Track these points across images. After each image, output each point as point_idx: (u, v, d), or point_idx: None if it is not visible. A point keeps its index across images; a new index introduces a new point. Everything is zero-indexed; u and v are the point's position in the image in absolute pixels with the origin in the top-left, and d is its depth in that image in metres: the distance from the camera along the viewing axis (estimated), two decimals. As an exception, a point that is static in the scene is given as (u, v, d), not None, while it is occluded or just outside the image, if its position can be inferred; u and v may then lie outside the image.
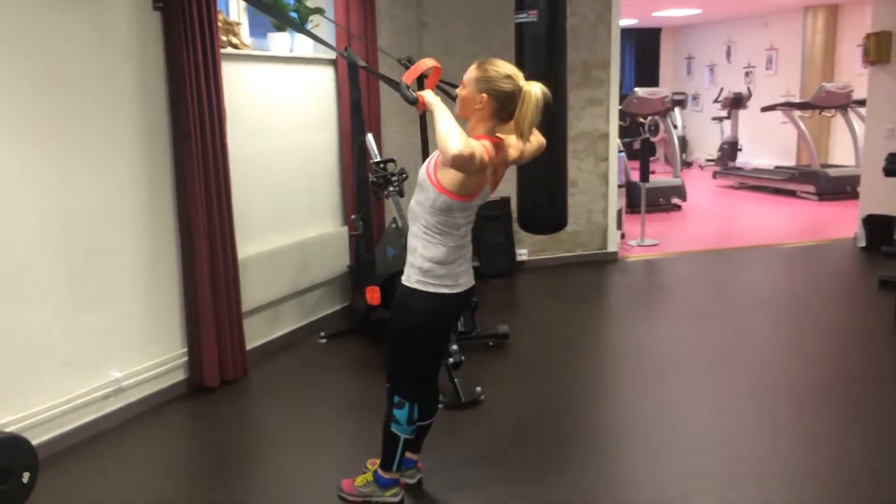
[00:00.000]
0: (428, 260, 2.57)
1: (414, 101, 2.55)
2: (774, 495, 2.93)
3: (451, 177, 2.45)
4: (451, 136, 2.32)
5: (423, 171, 2.57)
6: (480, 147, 2.39)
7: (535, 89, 2.44)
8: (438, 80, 2.75)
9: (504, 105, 2.47)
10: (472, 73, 2.51)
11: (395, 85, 2.69)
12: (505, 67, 2.49)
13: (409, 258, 2.63)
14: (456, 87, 2.86)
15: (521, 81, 2.48)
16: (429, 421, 2.92)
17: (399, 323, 2.69)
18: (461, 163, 2.33)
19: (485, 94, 2.46)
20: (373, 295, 4.50)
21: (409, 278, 2.62)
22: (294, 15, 4.72)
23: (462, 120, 2.52)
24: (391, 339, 2.74)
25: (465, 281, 2.67)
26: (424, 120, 4.11)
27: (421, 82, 2.84)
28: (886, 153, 6.23)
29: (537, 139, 2.76)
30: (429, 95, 2.54)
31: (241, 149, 4.23)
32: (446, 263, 2.58)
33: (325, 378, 4.28)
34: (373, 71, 3.15)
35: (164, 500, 3.03)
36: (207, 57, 3.80)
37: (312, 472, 3.20)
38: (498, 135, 2.56)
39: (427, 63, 2.62)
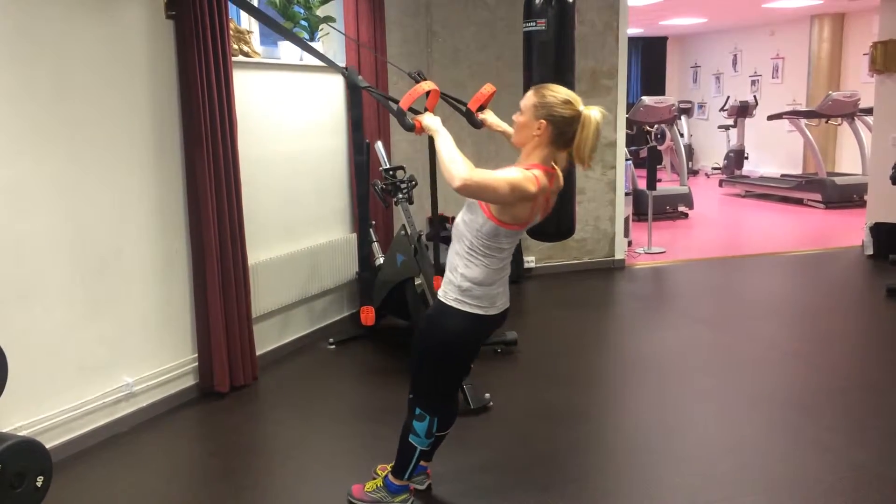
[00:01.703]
0: (468, 280, 2.53)
1: (410, 128, 2.56)
2: (782, 502, 2.94)
3: (504, 208, 2.42)
4: (455, 164, 2.31)
5: None
6: (522, 176, 2.36)
7: (595, 114, 2.40)
8: (438, 99, 2.73)
9: (562, 131, 2.42)
10: (529, 99, 2.47)
11: (392, 110, 2.71)
12: (563, 93, 2.44)
13: (449, 275, 2.59)
14: (462, 102, 2.90)
15: (581, 106, 2.43)
16: (445, 432, 2.93)
17: (430, 337, 2.67)
18: (470, 192, 2.32)
19: (543, 121, 2.42)
20: (367, 315, 4.53)
21: (447, 295, 2.59)
22: (305, 24, 4.76)
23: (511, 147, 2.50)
24: (419, 352, 2.72)
25: (502, 303, 2.64)
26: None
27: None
28: (893, 161, 6.23)
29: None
30: (428, 120, 2.53)
31: (252, 155, 4.26)
32: (485, 285, 2.55)
33: (333, 384, 4.30)
34: (373, 91, 3.15)
35: (175, 504, 3.05)
36: (219, 65, 3.83)
37: (322, 478, 3.22)
38: (552, 164, 2.51)
39: (424, 87, 2.60)
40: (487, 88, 2.85)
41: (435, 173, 3.76)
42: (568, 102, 2.43)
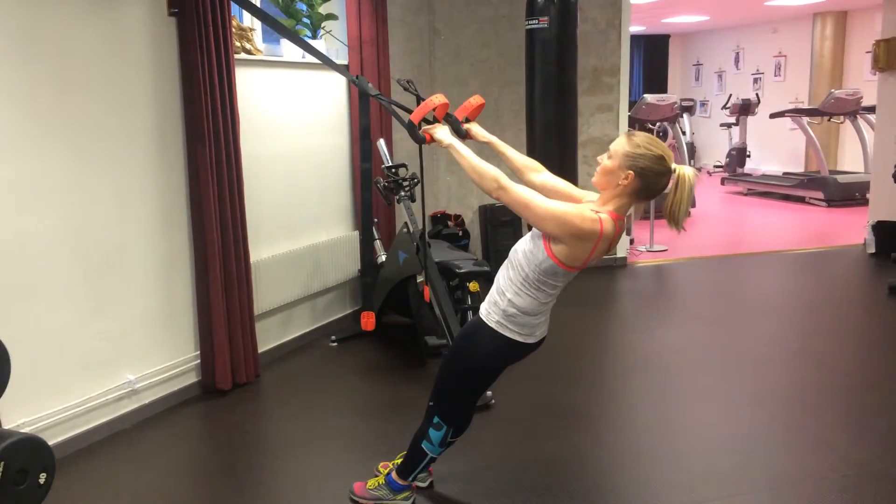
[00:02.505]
0: (514, 307, 2.49)
1: (422, 141, 2.58)
2: (785, 501, 2.94)
3: (563, 248, 2.36)
4: (484, 178, 2.36)
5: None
6: (579, 214, 2.31)
7: (689, 172, 2.31)
8: (446, 112, 2.74)
9: (649, 187, 2.34)
10: (622, 145, 2.35)
11: (403, 122, 2.72)
12: (657, 148, 2.32)
13: (496, 297, 2.54)
14: (448, 115, 2.85)
15: (673, 164, 2.33)
16: (455, 439, 2.91)
17: (463, 351, 2.65)
18: (505, 201, 2.34)
19: (631, 172, 2.31)
20: (367, 321, 4.53)
21: (490, 316, 2.54)
22: (307, 21, 4.76)
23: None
24: (448, 362, 2.71)
25: (541, 332, 2.61)
26: (421, 159, 4.14)
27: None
28: (896, 160, 6.24)
29: None
30: (440, 133, 2.53)
31: (255, 153, 4.26)
32: (531, 314, 2.51)
33: (336, 381, 4.30)
34: (382, 100, 3.14)
35: (176, 501, 3.05)
36: (221, 62, 3.84)
37: (324, 475, 3.22)
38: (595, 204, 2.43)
39: (435, 101, 2.59)
40: (476, 99, 2.79)
41: (423, 173, 3.76)
42: (661, 159, 2.31)
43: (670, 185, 2.35)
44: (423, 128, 2.61)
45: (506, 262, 2.57)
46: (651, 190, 2.36)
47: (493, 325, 2.53)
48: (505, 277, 2.53)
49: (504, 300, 2.51)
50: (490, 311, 2.55)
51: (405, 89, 3.00)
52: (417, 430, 2.79)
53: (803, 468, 3.19)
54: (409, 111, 2.72)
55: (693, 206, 9.40)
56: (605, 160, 2.39)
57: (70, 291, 3.35)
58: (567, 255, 2.36)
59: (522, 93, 5.00)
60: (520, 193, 2.34)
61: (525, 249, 2.47)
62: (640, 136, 2.35)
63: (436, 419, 2.73)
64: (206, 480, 3.25)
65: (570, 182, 2.72)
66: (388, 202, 4.57)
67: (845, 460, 3.23)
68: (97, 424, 3.50)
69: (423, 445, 2.76)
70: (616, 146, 2.37)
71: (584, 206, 2.40)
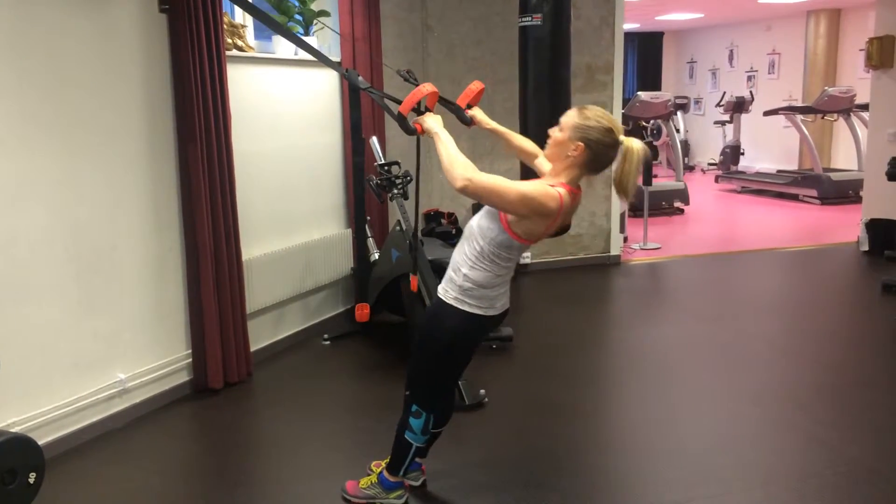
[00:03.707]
0: (470, 281, 2.53)
1: (412, 133, 2.55)
2: (779, 498, 2.94)
3: (525, 223, 2.40)
4: (454, 166, 2.31)
5: None
6: (542, 191, 2.35)
7: (637, 145, 2.37)
8: (437, 101, 2.70)
9: (598, 158, 2.40)
10: (572, 118, 2.41)
11: (392, 114, 2.70)
12: (606, 119, 2.39)
13: (451, 273, 2.59)
14: (452, 102, 2.85)
15: (621, 136, 2.39)
16: (440, 429, 2.93)
17: (429, 335, 2.67)
18: (471, 194, 2.32)
19: (581, 143, 2.37)
20: (362, 312, 4.52)
21: (447, 293, 2.59)
22: (299, 18, 4.74)
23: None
24: (417, 349, 2.72)
25: (501, 304, 2.64)
26: (419, 152, 4.11)
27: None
28: (889, 157, 6.24)
29: None
30: (429, 122, 2.51)
31: (246, 150, 4.24)
32: (487, 287, 2.54)
33: (328, 380, 4.29)
34: (373, 93, 3.11)
35: (167, 500, 3.03)
36: (213, 59, 3.81)
37: (316, 474, 3.21)
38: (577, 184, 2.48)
39: (424, 90, 2.56)
40: (476, 85, 2.79)
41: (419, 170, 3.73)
42: (610, 131, 2.37)
43: (618, 157, 2.40)
44: (413, 119, 2.58)
45: (461, 239, 2.62)
46: (600, 161, 2.41)
47: (451, 301, 2.57)
48: (460, 253, 2.58)
49: (459, 276, 2.55)
50: (447, 288, 2.60)
51: (405, 80, 2.97)
52: (398, 423, 2.80)
53: (796, 465, 3.19)
54: (393, 113, 2.68)
55: (686, 203, 9.44)
56: (556, 132, 2.45)
57: (60, 290, 3.32)
58: (526, 230, 2.43)
59: (515, 90, 4.99)
60: (489, 182, 2.33)
61: (481, 225, 2.52)
62: (591, 110, 2.41)
63: (414, 407, 2.74)
64: (198, 480, 3.24)
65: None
66: (381, 200, 4.56)
67: (839, 458, 3.23)
68: (88, 424, 3.48)
69: (406, 436, 2.77)
70: (566, 119, 2.43)
71: (543, 181, 2.44)
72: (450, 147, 2.38)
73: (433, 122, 2.51)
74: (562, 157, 2.42)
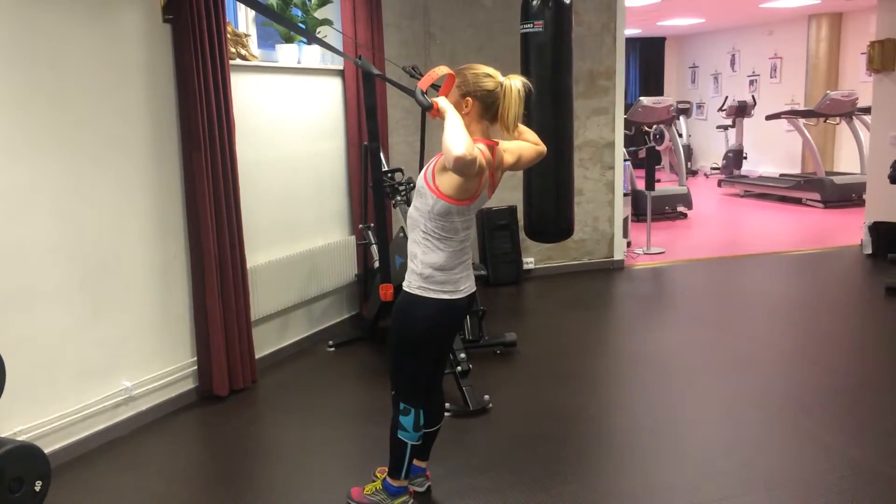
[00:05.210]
0: (428, 266, 2.59)
1: (429, 107, 2.56)
2: (783, 502, 2.94)
3: (448, 181, 2.48)
4: (458, 138, 2.34)
5: (421, 178, 2.60)
6: (478, 151, 2.42)
7: (516, 82, 2.50)
8: (453, 84, 2.70)
9: (488, 105, 2.53)
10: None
11: (409, 91, 2.72)
12: (482, 68, 2.55)
13: (410, 264, 2.65)
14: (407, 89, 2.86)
15: (501, 77, 2.53)
16: (435, 428, 2.95)
17: (401, 329, 2.71)
18: (462, 165, 2.33)
19: (469, 98, 2.52)
20: (386, 291, 4.51)
21: (410, 284, 2.64)
22: (302, 26, 4.76)
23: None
24: (394, 346, 2.76)
25: (466, 287, 2.69)
26: (424, 129, 4.14)
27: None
28: (892, 160, 6.24)
29: (536, 146, 2.78)
30: (443, 102, 2.54)
31: (250, 158, 4.26)
32: (446, 269, 2.60)
33: (333, 386, 4.30)
34: (386, 78, 3.16)
35: (174, 507, 3.05)
36: (216, 68, 3.84)
37: (321, 480, 3.22)
38: (494, 139, 2.60)
39: (441, 70, 2.62)
40: (441, 69, 2.61)
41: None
42: (488, 76, 2.52)
43: (500, 94, 2.50)
44: (432, 96, 2.59)
45: (408, 231, 2.69)
46: (492, 107, 2.53)
47: (416, 291, 2.62)
48: (411, 243, 2.65)
49: (417, 264, 2.61)
50: (410, 280, 2.65)
51: (411, 76, 3.01)
52: (391, 425, 2.81)
53: (800, 469, 3.19)
54: (411, 91, 2.71)
55: (690, 208, 9.45)
56: (441, 100, 2.53)
57: (66, 298, 3.34)
58: (456, 189, 2.48)
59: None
60: (477, 156, 2.37)
61: (417, 206, 2.61)
62: (464, 67, 2.57)
63: (401, 405, 2.76)
64: (204, 487, 3.25)
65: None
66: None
67: (842, 461, 3.23)
68: (93, 432, 3.50)
69: (399, 436, 2.78)
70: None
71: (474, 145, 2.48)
72: (460, 124, 2.41)
73: (445, 103, 2.55)
74: (464, 118, 2.49)
